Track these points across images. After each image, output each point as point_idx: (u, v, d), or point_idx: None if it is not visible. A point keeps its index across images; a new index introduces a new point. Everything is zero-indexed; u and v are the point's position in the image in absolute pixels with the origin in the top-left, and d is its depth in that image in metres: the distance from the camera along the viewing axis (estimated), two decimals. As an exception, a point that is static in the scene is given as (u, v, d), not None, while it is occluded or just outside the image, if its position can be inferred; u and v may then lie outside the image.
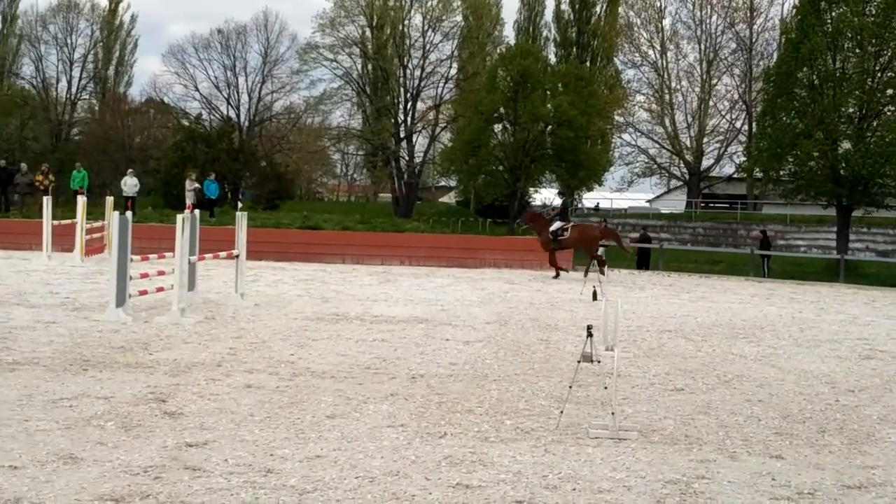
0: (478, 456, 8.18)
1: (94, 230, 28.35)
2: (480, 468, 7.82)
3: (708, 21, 71.12)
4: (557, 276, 28.32)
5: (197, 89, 73.03)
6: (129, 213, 16.47)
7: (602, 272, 28.29)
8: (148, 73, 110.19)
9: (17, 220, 34.59)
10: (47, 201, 27.90)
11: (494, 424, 9.34)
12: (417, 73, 70.15)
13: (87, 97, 77.74)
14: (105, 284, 18.59)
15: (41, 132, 71.95)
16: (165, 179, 57.72)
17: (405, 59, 70.00)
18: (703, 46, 70.98)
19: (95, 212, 29.79)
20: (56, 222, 27.58)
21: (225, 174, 55.71)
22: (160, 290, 17.17)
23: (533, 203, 64.22)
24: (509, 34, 76.91)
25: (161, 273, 17.54)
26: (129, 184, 39.48)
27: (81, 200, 27.52)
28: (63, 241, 27.43)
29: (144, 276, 17.12)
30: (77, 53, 75.28)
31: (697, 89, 71.22)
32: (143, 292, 16.74)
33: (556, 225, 29.14)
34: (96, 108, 77.00)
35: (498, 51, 67.90)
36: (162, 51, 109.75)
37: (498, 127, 57.05)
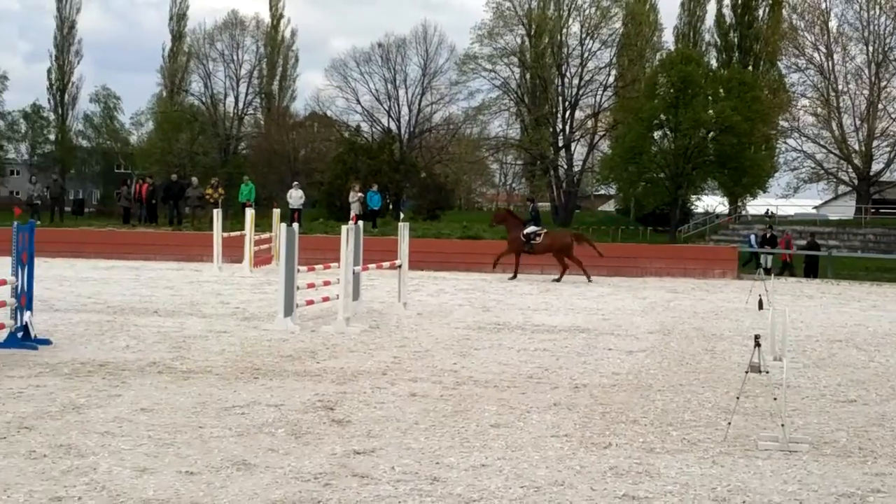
0: (644, 467, 8.09)
1: (261, 241, 29.10)
2: (647, 479, 7.73)
3: (876, 22, 68.82)
4: (515, 276, 28.38)
5: (358, 102, 74.38)
6: (295, 225, 16.86)
7: (560, 279, 28.01)
8: (311, 88, 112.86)
9: (189, 232, 35.81)
10: (217, 214, 28.77)
11: (660, 435, 9.23)
12: (576, 81, 69.93)
13: (253, 112, 79.95)
14: (273, 294, 19.06)
15: (210, 147, 74.27)
16: (329, 191, 58.86)
17: (563, 68, 69.83)
18: (871, 48, 68.67)
19: (263, 224, 30.58)
20: (226, 234, 28.40)
21: (386, 185, 56.53)
22: (326, 299, 17.53)
23: (695, 211, 63.22)
24: (668, 40, 75.93)
25: (327, 283, 17.89)
26: (295, 196, 40.42)
27: (249, 213, 28.28)
28: (232, 252, 28.22)
29: (311, 286, 17.50)
30: (243, 70, 77.48)
31: (866, 92, 68.90)
32: (310, 302, 17.11)
33: (531, 229, 28.87)
34: (262, 122, 79.04)
35: (658, 57, 67.15)
36: (325, 65, 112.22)
37: (658, 134, 56.39)
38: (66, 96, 78.42)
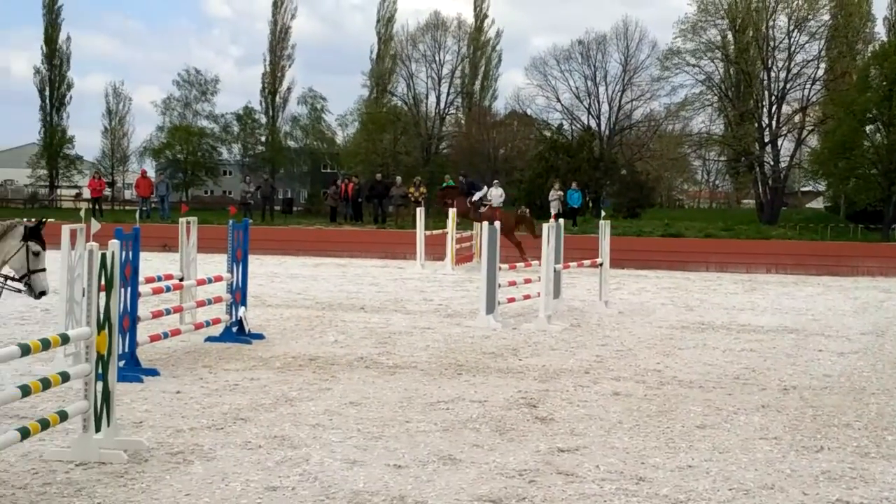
0: (858, 472, 7.82)
1: (463, 240, 29.42)
2: (862, 485, 7.48)
3: None
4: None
5: (558, 100, 74.06)
6: (497, 224, 16.99)
7: (524, 258, 25.94)
8: (511, 87, 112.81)
9: (392, 230, 36.51)
10: (420, 212, 29.24)
11: (875, 440, 8.90)
12: (782, 74, 67.88)
13: (455, 111, 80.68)
14: (475, 292, 19.25)
15: (412, 146, 75.39)
16: (529, 189, 58.95)
17: (769, 62, 67.91)
18: None
19: (464, 222, 30.91)
20: (428, 232, 28.85)
21: (586, 183, 56.20)
22: (527, 297, 17.59)
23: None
24: (880, 31, 72.79)
25: (528, 281, 17.96)
26: (495, 194, 40.65)
27: (451, 211, 28.62)
28: (434, 250, 28.63)
29: (512, 283, 17.60)
30: (445, 70, 78.31)
31: None
32: (511, 300, 17.21)
33: (478, 195, 29.98)
34: (463, 121, 79.76)
35: (870, 49, 64.51)
36: (524, 64, 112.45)
37: (871, 128, 54.17)
38: (278, 98, 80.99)
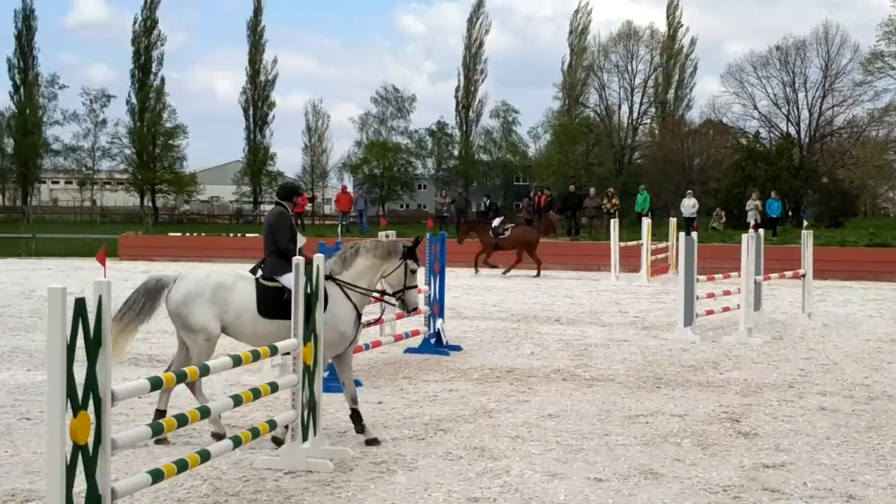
0: None
1: (658, 251, 29.06)
2: None
3: None
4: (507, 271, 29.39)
5: (755, 107, 72.48)
6: (693, 234, 16.71)
7: (539, 273, 28.71)
8: (706, 95, 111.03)
9: (586, 242, 36.34)
10: (614, 224, 29.02)
11: None
12: None
13: (648, 121, 79.95)
14: (671, 304, 18.99)
15: (605, 157, 75.09)
16: (725, 199, 57.83)
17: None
18: None
19: (659, 233, 30.53)
20: (623, 244, 28.61)
21: (786, 192, 54.72)
22: (726, 309, 17.25)
23: None
24: None
25: (726, 293, 17.59)
26: (687, 205, 40.07)
27: (646, 222, 28.31)
28: (628, 261, 28.36)
29: (710, 295, 17.28)
30: (637, 79, 77.71)
31: None
32: (710, 312, 16.90)
33: (497, 221, 30.21)
34: (656, 131, 78.90)
35: None
36: (720, 71, 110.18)
37: None
38: (471, 113, 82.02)
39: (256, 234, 39.08)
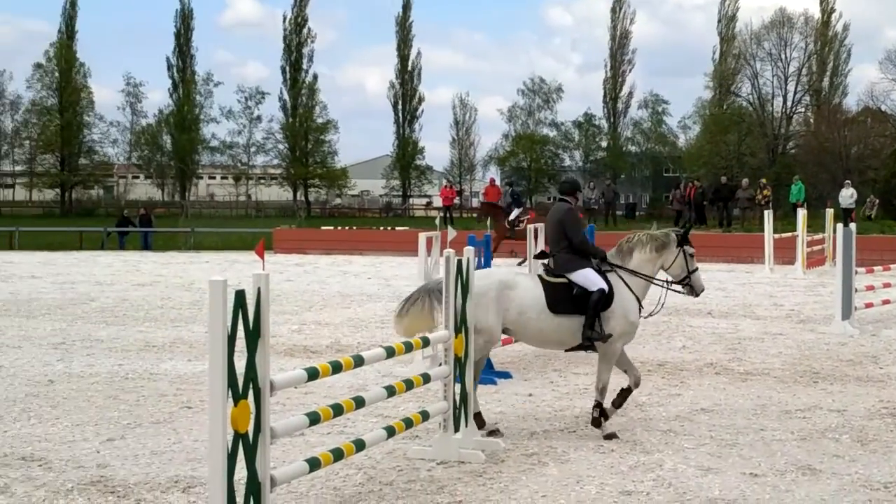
0: None
1: (814, 242, 28.32)
2: None
3: None
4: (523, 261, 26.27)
5: (917, 94, 70.02)
6: (852, 225, 16.26)
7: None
8: (863, 82, 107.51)
9: (738, 234, 35.66)
10: (768, 215, 28.39)
11: None
12: None
13: (802, 110, 77.93)
14: (828, 297, 18.51)
15: (757, 147, 73.45)
16: (884, 189, 56.08)
17: None
18: None
19: (815, 224, 29.75)
20: (777, 235, 27.96)
21: (949, 181, 52.74)
22: (886, 302, 16.73)
23: None
24: None
25: (887, 285, 17.05)
26: (845, 195, 38.97)
27: (801, 213, 27.64)
28: (783, 253, 27.72)
29: (869, 288, 16.78)
30: (791, 67, 75.80)
31: None
32: (869, 305, 16.42)
33: (515, 213, 29.23)
34: (811, 120, 76.88)
35: None
36: (878, 57, 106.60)
37: None
38: (619, 104, 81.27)
39: (406, 228, 39.60)
